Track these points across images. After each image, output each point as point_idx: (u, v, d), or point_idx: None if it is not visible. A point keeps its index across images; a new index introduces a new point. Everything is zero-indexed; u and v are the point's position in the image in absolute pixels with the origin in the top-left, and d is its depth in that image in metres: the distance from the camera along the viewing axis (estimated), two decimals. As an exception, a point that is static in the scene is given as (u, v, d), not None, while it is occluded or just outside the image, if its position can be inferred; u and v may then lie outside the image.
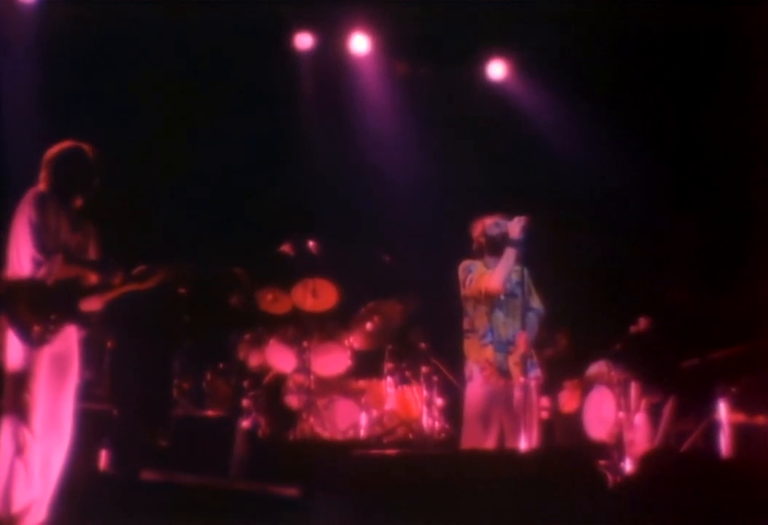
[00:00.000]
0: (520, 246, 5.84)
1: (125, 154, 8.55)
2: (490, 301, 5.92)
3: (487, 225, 6.07)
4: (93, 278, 5.38)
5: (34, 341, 5.06)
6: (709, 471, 5.18)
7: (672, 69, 8.66)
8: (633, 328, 7.05)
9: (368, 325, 8.51)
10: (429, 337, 8.39)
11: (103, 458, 6.41)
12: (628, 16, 8.32)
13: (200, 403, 8.00)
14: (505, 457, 5.55)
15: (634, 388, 6.67)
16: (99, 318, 5.87)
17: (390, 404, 8.25)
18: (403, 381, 8.41)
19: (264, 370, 8.36)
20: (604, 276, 8.15)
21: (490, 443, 5.78)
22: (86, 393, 7.11)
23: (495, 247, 5.99)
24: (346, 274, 8.52)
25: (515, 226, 5.89)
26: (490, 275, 5.93)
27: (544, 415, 7.10)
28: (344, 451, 6.80)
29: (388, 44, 9.69)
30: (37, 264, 5.10)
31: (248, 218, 8.93)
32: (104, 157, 5.51)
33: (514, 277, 5.98)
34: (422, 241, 8.95)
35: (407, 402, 8.35)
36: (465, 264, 6.09)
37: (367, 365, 8.50)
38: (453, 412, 7.86)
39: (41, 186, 5.32)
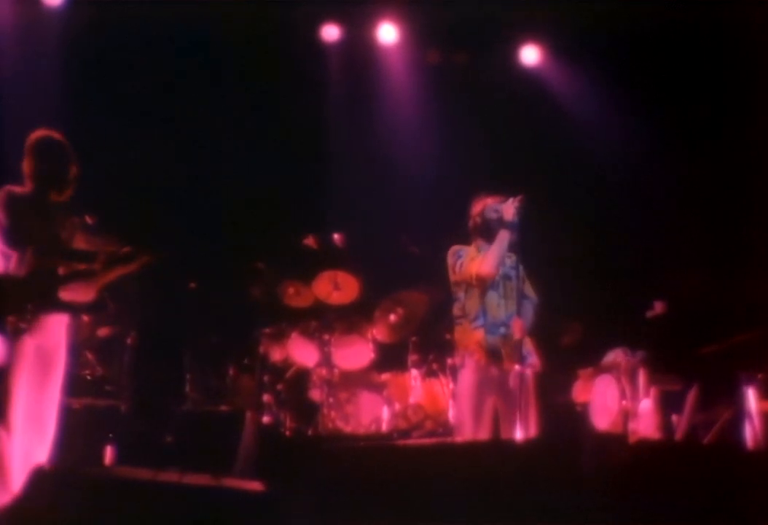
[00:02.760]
0: (514, 228, 5.59)
1: (151, 147, 8.62)
2: (483, 284, 5.68)
3: (487, 206, 5.82)
4: (77, 268, 5.34)
5: (9, 333, 5.02)
6: (735, 463, 4.89)
7: (706, 57, 8.39)
8: (649, 314, 6.74)
9: (392, 317, 8.35)
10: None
11: (108, 454, 6.38)
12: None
13: (221, 398, 7.93)
14: (500, 447, 5.31)
15: (642, 376, 6.38)
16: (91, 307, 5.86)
17: (415, 397, 8.07)
18: (430, 374, 8.23)
19: (287, 364, 8.26)
20: (618, 261, 7.87)
21: (483, 434, 5.55)
22: (96, 389, 7.15)
23: (489, 231, 5.75)
24: (369, 265, 8.38)
25: (509, 208, 5.64)
26: (482, 259, 5.67)
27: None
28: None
29: (418, 33, 9.54)
30: (6, 258, 5.07)
31: (271, 211, 8.85)
32: (76, 147, 5.46)
33: (508, 262, 5.74)
34: (447, 230, 8.75)
35: (435, 395, 8.15)
36: (454, 249, 5.85)
37: (390, 358, 8.34)
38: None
39: (25, 171, 5.30)
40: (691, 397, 6.63)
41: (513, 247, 5.67)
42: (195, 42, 8.95)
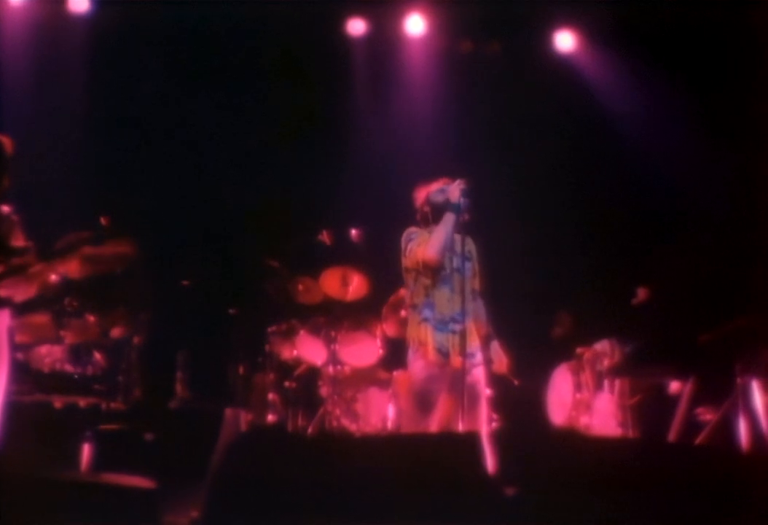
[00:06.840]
0: (460, 211, 5.33)
1: (165, 146, 8.67)
2: (431, 273, 5.43)
3: (431, 192, 5.59)
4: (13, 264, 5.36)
5: None
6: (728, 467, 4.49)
7: (745, 47, 7.95)
8: (634, 301, 6.33)
9: (403, 312, 8.12)
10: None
11: (86, 452, 6.38)
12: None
13: (222, 397, 7.86)
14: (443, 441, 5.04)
15: (605, 367, 5.97)
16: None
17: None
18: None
19: (297, 362, 8.14)
20: (609, 248, 7.46)
21: (431, 430, 5.30)
22: (83, 387, 7.18)
23: (439, 215, 5.51)
24: (378, 260, 8.18)
25: (455, 190, 5.40)
26: (427, 243, 5.44)
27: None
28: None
29: (447, 23, 9.33)
30: None
31: (285, 206, 8.76)
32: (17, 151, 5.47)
33: (458, 252, 5.47)
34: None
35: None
36: (408, 232, 5.62)
37: (401, 355, 8.12)
38: (502, 402, 7.39)
39: None
40: (687, 391, 6.20)
41: (462, 232, 5.39)
42: (220, 39, 8.98)
